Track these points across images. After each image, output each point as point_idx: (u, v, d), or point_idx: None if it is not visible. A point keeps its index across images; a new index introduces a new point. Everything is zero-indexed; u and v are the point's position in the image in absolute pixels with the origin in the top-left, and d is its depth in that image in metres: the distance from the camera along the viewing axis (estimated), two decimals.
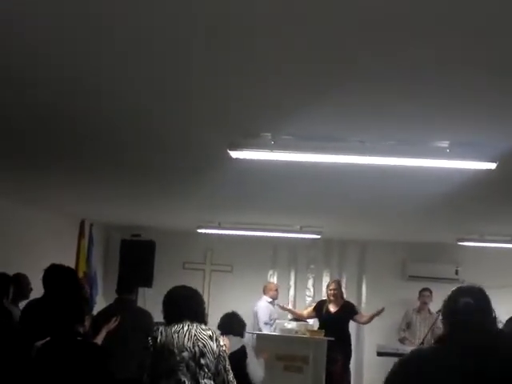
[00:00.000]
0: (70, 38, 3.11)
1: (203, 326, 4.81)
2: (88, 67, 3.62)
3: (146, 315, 6.80)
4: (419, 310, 11.08)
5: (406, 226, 9.59)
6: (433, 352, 3.24)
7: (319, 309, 10.19)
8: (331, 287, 10.23)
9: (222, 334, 6.09)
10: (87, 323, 5.09)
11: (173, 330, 4.77)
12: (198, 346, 4.71)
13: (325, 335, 9.47)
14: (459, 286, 3.40)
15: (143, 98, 4.10)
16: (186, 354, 4.71)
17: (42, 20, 2.91)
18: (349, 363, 10.05)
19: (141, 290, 10.41)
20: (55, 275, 5.05)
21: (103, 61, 3.49)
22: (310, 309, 10.51)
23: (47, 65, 3.63)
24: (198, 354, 4.71)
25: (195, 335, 4.73)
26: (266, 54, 3.19)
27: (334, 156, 4.86)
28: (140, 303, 7.97)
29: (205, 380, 4.71)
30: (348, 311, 10.11)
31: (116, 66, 3.57)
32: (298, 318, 10.45)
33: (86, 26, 2.97)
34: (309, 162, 5.04)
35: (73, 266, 9.50)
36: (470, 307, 3.17)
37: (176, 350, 4.72)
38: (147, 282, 10.87)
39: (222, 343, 4.81)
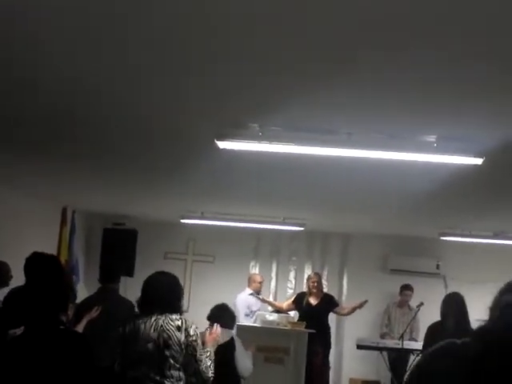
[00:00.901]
0: (69, 36, 3.10)
1: (174, 316, 4.72)
2: (87, 66, 3.66)
3: (128, 305, 6.76)
4: (400, 305, 11.13)
5: (389, 219, 9.62)
6: (455, 346, 3.19)
7: (299, 301, 10.21)
8: (313, 280, 10.25)
9: (211, 325, 6.06)
10: (70, 312, 5.06)
11: (141, 320, 4.74)
12: (163, 337, 4.65)
13: (306, 327, 9.51)
14: None
15: (132, 87, 4.09)
16: (150, 345, 4.66)
17: (44, 12, 2.89)
18: (328, 355, 10.11)
19: (122, 279, 10.33)
20: (37, 263, 4.99)
21: (102, 57, 3.53)
22: (290, 301, 10.51)
23: (46, 64, 3.65)
24: (162, 346, 4.66)
25: (162, 326, 4.67)
26: (258, 46, 3.19)
27: (321, 148, 4.85)
28: (121, 292, 7.91)
29: (171, 371, 4.66)
30: (328, 303, 10.17)
31: (112, 61, 3.59)
32: (278, 310, 10.48)
33: (85, 24, 2.96)
34: (295, 153, 5.03)
35: (54, 253, 9.44)
36: (510, 308, 3.07)
37: (141, 341, 4.68)
38: (129, 271, 10.82)
39: (192, 333, 4.72)
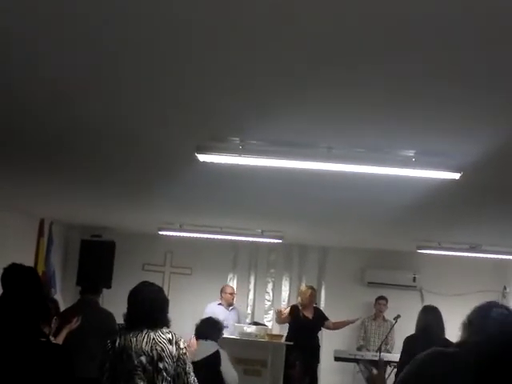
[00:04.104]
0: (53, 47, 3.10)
1: (164, 329, 4.76)
2: (70, 79, 3.65)
3: (109, 316, 6.76)
4: (374, 318, 11.22)
5: (367, 232, 9.66)
6: (450, 354, 3.31)
7: (295, 314, 10.23)
8: (312, 293, 10.34)
9: (197, 338, 6.18)
10: (53, 325, 5.05)
11: (131, 333, 4.75)
12: (156, 349, 4.68)
13: (298, 340, 9.57)
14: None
15: (112, 99, 4.09)
16: (143, 358, 4.68)
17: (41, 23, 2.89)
18: (317, 368, 10.24)
19: None
20: (17, 274, 4.96)
21: (87, 71, 3.53)
22: (286, 313, 10.45)
23: (29, 76, 3.64)
24: (155, 358, 4.68)
25: (154, 339, 4.70)
26: (237, 59, 3.21)
27: (301, 162, 4.88)
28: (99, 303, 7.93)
29: None
30: (321, 317, 10.30)
31: (97, 74, 3.59)
32: (258, 322, 10.50)
33: (71, 33, 2.97)
34: (275, 167, 5.05)
35: (32, 264, 9.38)
36: (502, 316, 3.29)
37: (134, 354, 4.69)
38: (106, 282, 10.78)
39: (182, 346, 4.78)
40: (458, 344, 3.40)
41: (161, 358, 4.68)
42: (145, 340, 4.70)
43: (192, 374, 4.81)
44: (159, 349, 4.68)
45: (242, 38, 2.94)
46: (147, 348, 4.68)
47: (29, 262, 8.93)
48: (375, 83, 3.40)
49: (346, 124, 4.23)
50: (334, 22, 2.68)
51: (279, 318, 10.38)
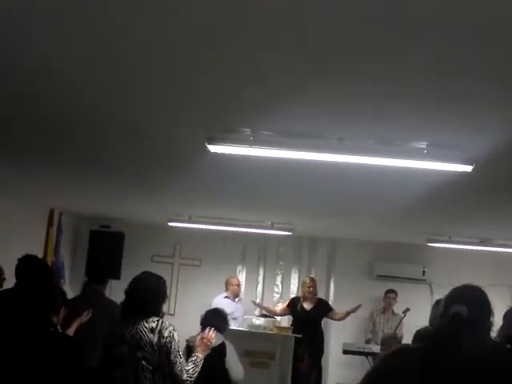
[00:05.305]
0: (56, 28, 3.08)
1: (151, 318, 4.73)
2: (82, 77, 3.70)
3: (116, 307, 6.74)
4: (383, 311, 11.19)
5: (377, 225, 9.64)
6: (410, 349, 3.31)
7: (293, 306, 10.26)
8: (308, 284, 10.34)
9: (203, 329, 6.11)
10: (61, 315, 5.05)
11: (122, 323, 4.77)
12: (136, 338, 4.68)
13: (299, 332, 9.55)
14: (458, 286, 3.32)
15: (122, 90, 4.08)
16: (124, 347, 4.69)
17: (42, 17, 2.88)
18: (321, 360, 10.20)
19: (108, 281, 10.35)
20: (30, 265, 4.98)
21: (98, 70, 3.57)
22: (284, 305, 10.55)
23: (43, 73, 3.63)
24: (134, 347, 4.67)
25: (136, 328, 4.69)
26: (247, 51, 3.19)
27: (312, 153, 4.85)
28: (106, 294, 7.91)
29: (144, 373, 4.67)
30: (322, 308, 10.29)
31: (107, 72, 3.62)
32: (266, 314, 10.50)
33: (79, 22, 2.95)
34: (286, 158, 5.03)
35: (41, 254, 9.41)
36: (458, 318, 3.13)
37: (118, 344, 4.71)
38: (115, 273, 10.79)
39: (166, 335, 4.70)
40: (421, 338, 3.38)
41: (139, 347, 4.66)
42: (127, 329, 4.70)
43: (179, 364, 4.72)
44: (138, 337, 4.67)
45: (258, 34, 2.93)
46: (128, 337, 4.68)
47: (38, 251, 8.95)
48: (388, 75, 3.37)
49: (358, 115, 4.20)
50: (350, 19, 2.66)
51: (265, 310, 10.44)
